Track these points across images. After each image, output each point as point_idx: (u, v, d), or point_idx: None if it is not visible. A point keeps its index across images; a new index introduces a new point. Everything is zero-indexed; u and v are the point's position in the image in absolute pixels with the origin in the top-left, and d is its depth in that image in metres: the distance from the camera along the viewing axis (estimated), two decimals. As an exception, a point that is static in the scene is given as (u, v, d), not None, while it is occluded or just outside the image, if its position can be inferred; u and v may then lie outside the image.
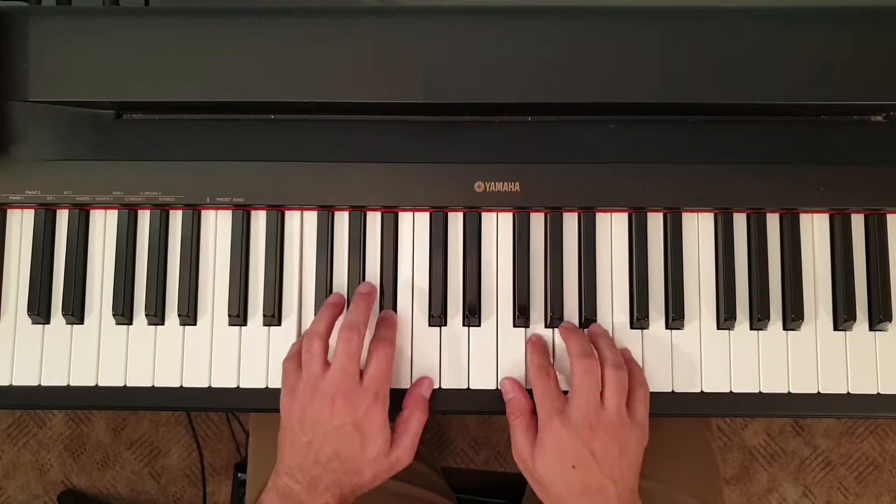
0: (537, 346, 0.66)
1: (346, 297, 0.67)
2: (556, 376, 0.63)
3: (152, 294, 0.67)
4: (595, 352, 0.63)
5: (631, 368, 0.64)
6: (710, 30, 0.66)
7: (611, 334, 0.66)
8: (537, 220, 0.68)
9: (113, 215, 0.69)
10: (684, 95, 0.66)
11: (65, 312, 0.67)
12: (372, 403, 0.60)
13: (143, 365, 0.67)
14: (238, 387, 0.67)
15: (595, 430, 0.59)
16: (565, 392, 0.63)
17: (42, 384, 0.67)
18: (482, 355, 0.67)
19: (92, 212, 0.69)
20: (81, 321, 0.68)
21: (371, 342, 0.63)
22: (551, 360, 0.66)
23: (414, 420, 0.64)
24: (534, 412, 0.63)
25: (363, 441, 0.60)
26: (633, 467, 0.61)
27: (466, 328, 0.67)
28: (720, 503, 0.80)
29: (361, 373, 0.62)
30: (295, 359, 0.64)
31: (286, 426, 0.62)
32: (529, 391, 0.65)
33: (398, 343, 0.66)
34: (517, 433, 0.63)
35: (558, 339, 0.66)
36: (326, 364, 0.61)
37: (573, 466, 0.59)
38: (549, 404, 0.61)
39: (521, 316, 0.66)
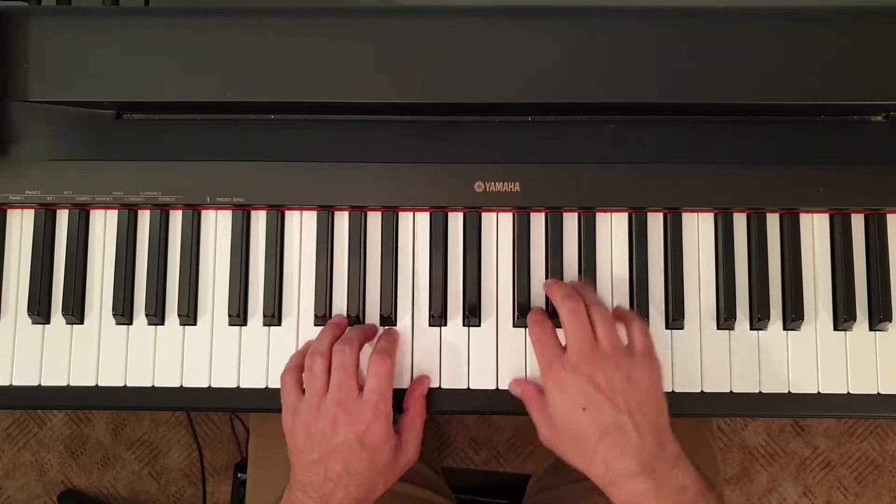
0: (534, 308, 0.66)
1: (348, 319, 0.67)
2: (552, 326, 0.62)
3: (152, 294, 0.67)
4: (577, 293, 0.63)
5: (620, 310, 0.64)
6: (711, 30, 0.66)
7: (581, 304, 0.65)
8: (537, 220, 0.68)
9: (113, 215, 0.69)
10: (684, 95, 0.66)
11: (65, 312, 0.67)
12: (373, 418, 0.60)
13: (143, 365, 0.67)
14: (238, 387, 0.67)
15: (594, 363, 0.58)
16: None
17: (42, 384, 0.67)
18: (482, 355, 0.67)
19: (92, 212, 0.69)
20: (81, 321, 0.68)
21: (371, 355, 0.63)
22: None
23: (418, 421, 0.64)
24: (542, 392, 0.62)
25: (370, 455, 0.60)
26: (649, 401, 0.58)
27: (466, 328, 0.67)
28: (720, 503, 0.80)
29: (362, 386, 0.61)
30: (293, 373, 0.63)
31: (292, 444, 0.62)
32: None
33: (398, 346, 0.66)
34: (534, 414, 0.62)
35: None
36: (328, 382, 0.61)
37: (583, 409, 0.57)
38: (548, 352, 0.60)
39: (521, 316, 0.66)
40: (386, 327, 0.67)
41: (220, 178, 0.67)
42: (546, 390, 0.60)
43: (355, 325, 0.66)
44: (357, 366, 0.62)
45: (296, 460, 0.62)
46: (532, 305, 0.67)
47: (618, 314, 0.64)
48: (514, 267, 0.67)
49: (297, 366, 0.63)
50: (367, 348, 0.65)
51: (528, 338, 0.67)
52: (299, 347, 0.67)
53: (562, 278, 0.67)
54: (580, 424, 0.58)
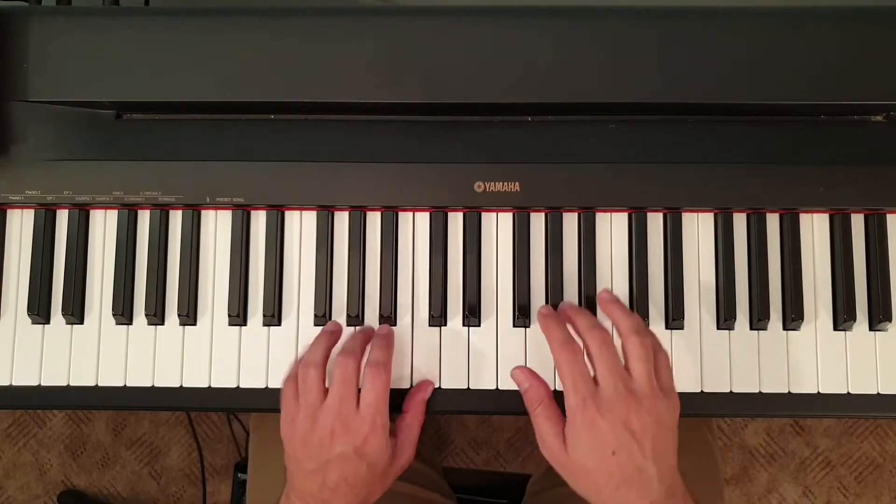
0: (553, 318, 0.62)
1: (345, 306, 0.67)
2: (581, 351, 0.59)
3: (152, 294, 0.67)
4: (603, 324, 0.61)
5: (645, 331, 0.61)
6: (710, 30, 0.66)
7: (610, 335, 0.66)
8: (537, 220, 0.68)
9: (113, 215, 0.69)
10: (684, 95, 0.66)
11: (65, 312, 0.67)
12: (370, 431, 0.60)
13: (143, 365, 0.67)
14: (238, 387, 0.67)
15: (629, 404, 0.56)
16: None
17: (42, 384, 0.67)
18: (482, 355, 0.67)
19: (92, 212, 0.69)
20: (81, 321, 0.68)
21: (366, 366, 0.62)
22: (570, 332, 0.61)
23: (416, 423, 0.64)
24: (553, 397, 0.62)
25: (368, 465, 0.60)
26: (670, 441, 0.58)
27: (466, 328, 0.67)
28: (720, 503, 0.80)
29: (360, 397, 0.61)
30: (294, 382, 0.63)
31: (290, 454, 0.62)
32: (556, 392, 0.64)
33: (398, 343, 0.66)
34: (541, 423, 0.60)
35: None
36: (324, 392, 0.61)
37: (613, 453, 0.56)
38: (582, 386, 0.57)
39: (521, 316, 0.66)
40: (380, 328, 0.66)
41: (220, 178, 0.67)
42: (575, 425, 0.57)
43: (356, 332, 0.65)
44: (358, 378, 0.61)
45: (293, 469, 0.62)
46: (532, 307, 0.67)
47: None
48: (514, 267, 0.67)
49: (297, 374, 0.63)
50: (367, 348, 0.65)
51: (527, 338, 0.67)
52: (299, 348, 0.67)
53: (562, 278, 0.67)
54: (606, 466, 0.56)
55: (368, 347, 0.64)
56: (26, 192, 0.67)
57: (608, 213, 0.68)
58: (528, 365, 0.66)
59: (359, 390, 0.61)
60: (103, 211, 0.69)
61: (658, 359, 0.60)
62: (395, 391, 0.64)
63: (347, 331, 0.67)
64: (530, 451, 1.38)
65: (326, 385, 0.62)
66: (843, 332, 0.67)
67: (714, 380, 0.66)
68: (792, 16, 0.66)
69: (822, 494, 1.40)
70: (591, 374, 0.59)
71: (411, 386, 0.66)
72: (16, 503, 1.42)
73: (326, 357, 0.63)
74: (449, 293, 0.67)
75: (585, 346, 0.60)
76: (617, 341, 0.62)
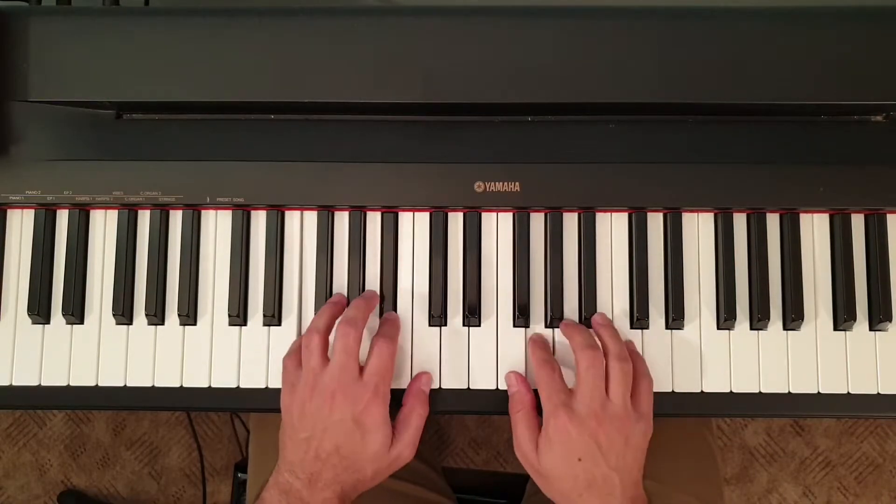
0: (539, 342, 0.66)
1: (347, 299, 0.67)
2: (559, 369, 0.63)
3: (152, 294, 0.67)
4: (599, 344, 0.63)
5: (634, 360, 0.64)
6: (710, 30, 0.66)
7: (601, 359, 0.66)
8: (537, 220, 0.68)
9: (113, 215, 0.69)
10: (684, 95, 0.66)
11: (65, 312, 0.67)
12: (371, 398, 0.60)
13: (143, 365, 0.67)
14: (238, 387, 0.67)
15: (601, 422, 0.59)
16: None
17: (42, 384, 0.67)
18: (482, 355, 0.67)
19: (92, 212, 0.69)
20: (81, 321, 0.68)
21: (373, 338, 0.63)
22: (553, 355, 0.65)
23: (414, 415, 0.64)
24: (536, 407, 0.63)
25: (363, 436, 0.60)
26: (637, 459, 0.61)
27: (466, 328, 0.67)
28: (720, 503, 0.80)
29: (362, 369, 0.62)
30: (295, 356, 0.64)
31: (286, 422, 0.62)
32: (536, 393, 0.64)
33: (398, 343, 0.66)
34: (519, 427, 0.63)
35: (559, 336, 0.66)
36: (326, 360, 0.62)
37: (579, 459, 0.59)
38: (556, 396, 0.61)
39: (521, 316, 0.66)
40: (387, 313, 0.67)
41: (220, 178, 0.67)
42: (547, 432, 0.61)
43: (357, 299, 0.65)
44: (359, 348, 0.62)
45: (287, 438, 0.62)
46: (532, 307, 0.67)
47: (632, 355, 0.64)
48: (514, 267, 0.67)
49: (299, 349, 0.64)
50: (366, 336, 0.64)
51: (527, 338, 0.67)
52: (299, 347, 0.67)
53: (562, 278, 0.67)
54: (572, 472, 0.60)
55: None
56: (26, 192, 0.67)
57: (608, 213, 0.68)
58: (527, 364, 0.66)
59: (360, 368, 0.62)
60: (103, 211, 0.69)
61: (641, 384, 0.63)
62: (396, 391, 0.64)
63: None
64: (530, 451, 1.38)
65: (329, 355, 0.62)
66: (843, 332, 0.67)
67: (714, 380, 0.66)
68: (792, 16, 0.66)
69: (822, 494, 1.40)
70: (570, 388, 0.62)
71: (411, 386, 0.67)
72: (16, 503, 1.42)
73: (330, 326, 0.64)
74: (449, 293, 0.67)
75: (576, 361, 0.62)
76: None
